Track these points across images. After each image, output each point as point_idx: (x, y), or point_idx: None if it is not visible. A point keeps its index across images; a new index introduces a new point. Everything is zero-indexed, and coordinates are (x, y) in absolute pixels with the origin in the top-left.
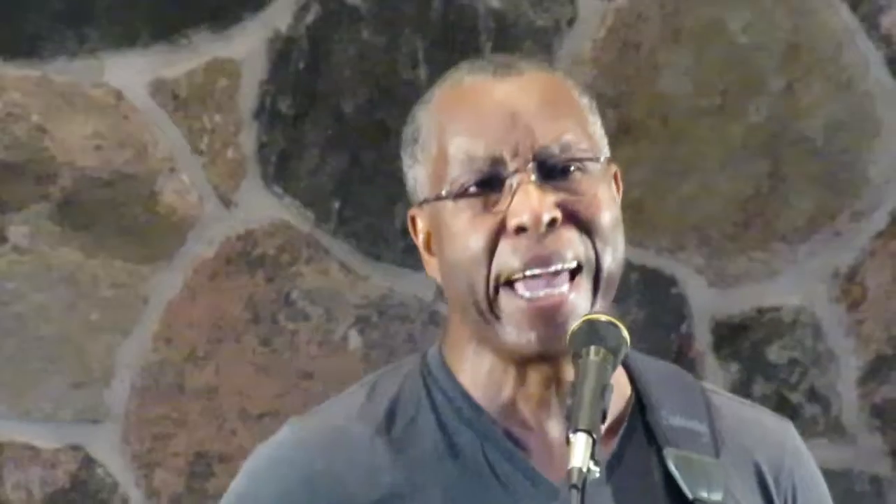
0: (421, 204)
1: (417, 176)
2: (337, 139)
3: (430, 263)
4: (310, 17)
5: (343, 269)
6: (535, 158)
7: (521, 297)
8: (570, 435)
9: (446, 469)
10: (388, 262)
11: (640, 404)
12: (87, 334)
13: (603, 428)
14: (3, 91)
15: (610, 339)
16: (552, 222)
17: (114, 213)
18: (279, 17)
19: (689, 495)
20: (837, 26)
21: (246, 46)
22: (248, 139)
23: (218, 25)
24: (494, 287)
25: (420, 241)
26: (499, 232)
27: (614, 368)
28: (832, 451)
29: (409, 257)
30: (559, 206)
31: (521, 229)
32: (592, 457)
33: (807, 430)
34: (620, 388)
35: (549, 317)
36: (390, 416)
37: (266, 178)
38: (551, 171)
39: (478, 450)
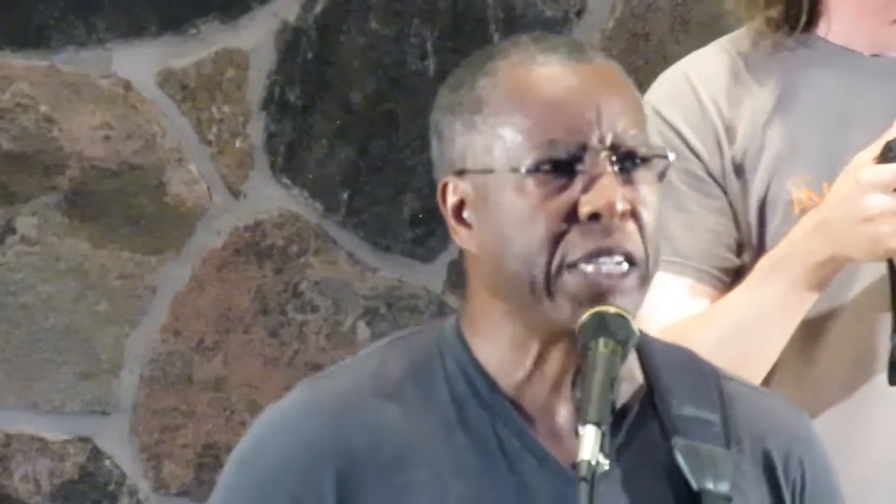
0: (462, 172)
1: (472, 144)
2: (345, 130)
3: (460, 233)
4: (318, 8)
5: (351, 261)
6: (613, 148)
7: (584, 274)
8: (580, 427)
9: (455, 440)
10: (397, 254)
11: (651, 392)
12: (95, 325)
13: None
14: (12, 82)
15: (619, 331)
16: (622, 214)
17: (122, 204)
18: (287, 7)
19: (695, 486)
20: None
21: (254, 37)
22: (257, 130)
23: (226, 16)
24: (557, 269)
25: (449, 208)
26: (568, 217)
27: (623, 360)
28: None
29: (418, 248)
30: (628, 200)
31: (594, 217)
32: (602, 449)
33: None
34: (631, 376)
35: (606, 293)
36: (402, 384)
37: (274, 168)
38: (624, 162)
39: (487, 424)
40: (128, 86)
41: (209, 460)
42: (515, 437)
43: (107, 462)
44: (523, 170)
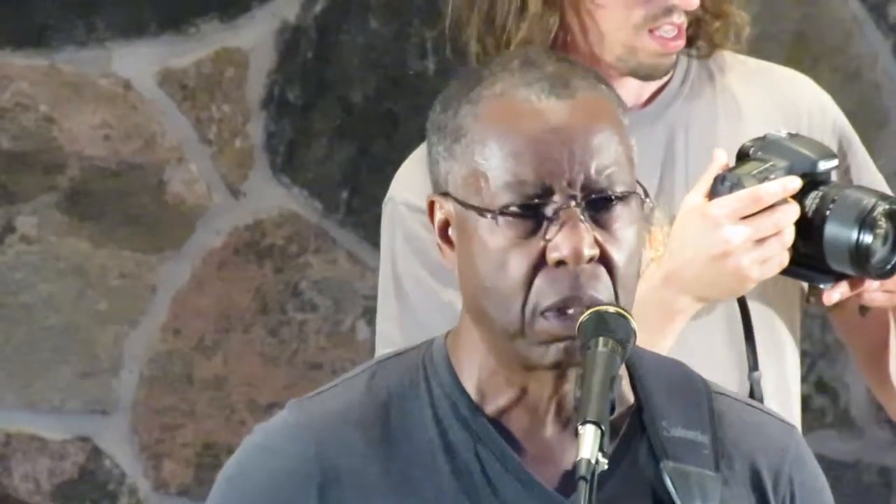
0: (446, 194)
1: (452, 171)
2: (345, 129)
3: (446, 252)
4: (318, 7)
5: (351, 260)
6: (583, 191)
7: (552, 324)
8: (579, 426)
9: (438, 465)
10: None
11: (640, 413)
12: (95, 324)
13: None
14: (12, 81)
15: (619, 330)
16: (590, 259)
17: (122, 204)
18: (287, 6)
19: None
20: (845, 16)
21: (254, 36)
22: (256, 129)
23: (226, 15)
24: (531, 314)
25: (436, 225)
26: (538, 262)
27: (623, 359)
28: (840, 443)
29: None
30: (598, 243)
31: (560, 263)
32: (601, 448)
33: (815, 421)
34: (621, 397)
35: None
36: (387, 406)
37: (274, 168)
38: (595, 204)
39: (470, 449)
40: (128, 85)
41: (209, 459)
42: (498, 462)
43: (107, 461)
44: (492, 210)
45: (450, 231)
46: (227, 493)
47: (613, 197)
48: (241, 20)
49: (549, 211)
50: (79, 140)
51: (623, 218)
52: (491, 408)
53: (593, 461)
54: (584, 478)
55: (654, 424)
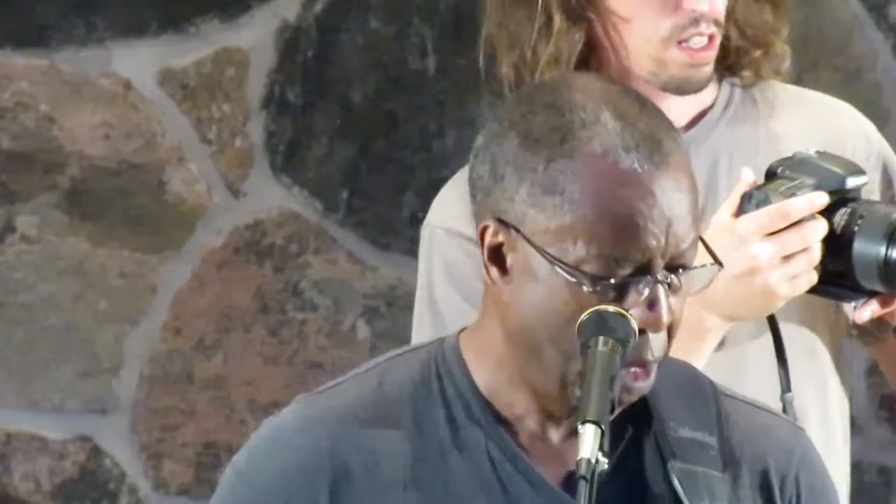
0: (516, 229)
1: (534, 218)
2: (345, 129)
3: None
4: (318, 6)
5: (351, 260)
6: (670, 268)
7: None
8: (579, 426)
9: (449, 463)
10: (397, 252)
11: (647, 413)
12: (95, 324)
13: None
14: (12, 81)
15: (619, 329)
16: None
17: (122, 203)
18: (287, 6)
19: None
20: (846, 16)
21: (254, 35)
22: (257, 129)
23: (226, 14)
24: (573, 382)
25: (486, 248)
26: None
27: (623, 359)
28: None
29: (418, 247)
30: (672, 311)
31: (641, 332)
32: (601, 448)
33: None
34: None
35: (625, 402)
36: (399, 404)
37: (274, 167)
38: (676, 271)
39: (482, 448)
40: (128, 85)
41: (209, 459)
42: (509, 462)
43: (107, 461)
44: (587, 277)
45: (507, 260)
46: (236, 487)
47: (685, 272)
48: (242, 20)
49: (639, 288)
50: (79, 140)
51: (687, 287)
52: (504, 409)
53: (593, 461)
54: (584, 477)
55: (662, 425)
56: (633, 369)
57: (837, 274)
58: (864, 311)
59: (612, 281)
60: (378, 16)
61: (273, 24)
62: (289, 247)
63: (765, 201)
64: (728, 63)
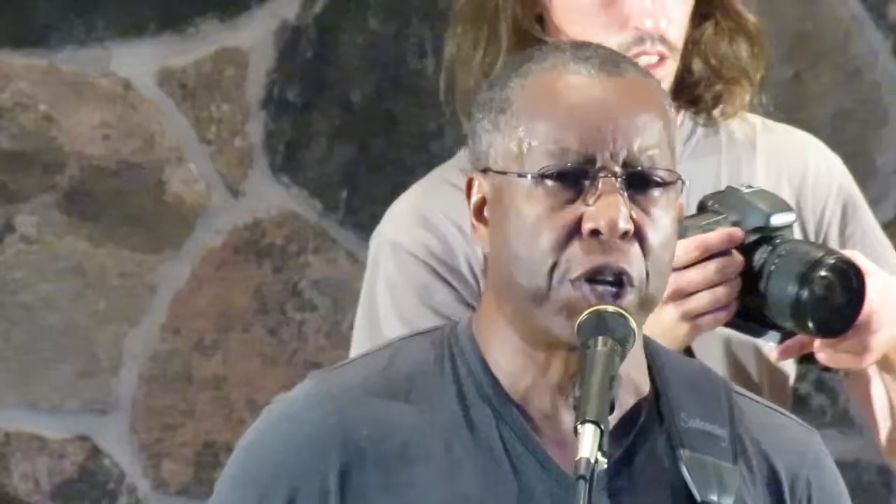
0: (486, 171)
1: (494, 143)
2: (344, 128)
3: (479, 230)
4: (317, 6)
5: (351, 259)
6: (624, 167)
7: (579, 292)
8: (578, 426)
9: (460, 440)
10: None
11: (658, 403)
12: (94, 324)
13: (612, 419)
14: (11, 80)
15: (617, 329)
16: (624, 234)
17: (121, 203)
18: (287, 5)
19: (698, 498)
20: (845, 15)
21: (253, 35)
22: (256, 128)
23: (225, 14)
24: (558, 281)
25: (471, 205)
26: (572, 231)
27: (622, 359)
28: (840, 442)
29: None
30: (633, 220)
31: (595, 233)
32: (601, 448)
33: (815, 420)
34: (639, 387)
35: None
36: (410, 381)
37: (273, 167)
38: (634, 182)
39: (493, 427)
40: (127, 85)
41: (208, 459)
42: (519, 441)
43: (106, 461)
44: (531, 176)
45: (485, 210)
46: (246, 460)
47: (654, 179)
48: (241, 20)
49: (588, 179)
50: (78, 140)
51: (661, 203)
52: (515, 388)
53: (592, 460)
54: (583, 477)
55: (673, 414)
56: (596, 281)
57: (755, 311)
58: (781, 352)
59: (557, 172)
60: (377, 16)
61: (272, 24)
62: (288, 247)
63: (683, 235)
64: (691, 96)
